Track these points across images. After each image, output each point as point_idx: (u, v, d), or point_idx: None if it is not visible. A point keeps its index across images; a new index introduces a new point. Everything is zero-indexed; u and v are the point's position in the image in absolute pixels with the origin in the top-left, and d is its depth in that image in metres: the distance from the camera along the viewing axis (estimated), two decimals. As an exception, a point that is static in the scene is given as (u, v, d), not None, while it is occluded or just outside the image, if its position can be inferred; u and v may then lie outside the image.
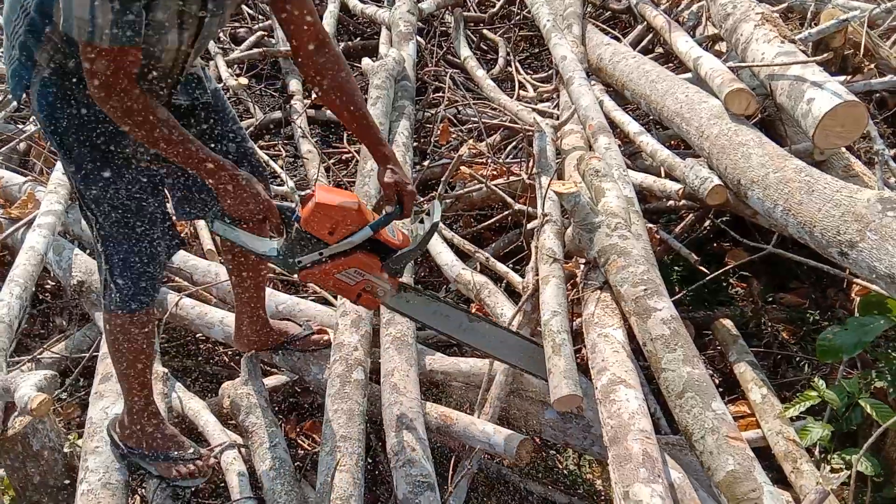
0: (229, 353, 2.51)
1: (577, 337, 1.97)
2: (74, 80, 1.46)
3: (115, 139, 1.51)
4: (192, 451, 1.85)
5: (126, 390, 1.79)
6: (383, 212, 1.61)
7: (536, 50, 4.24)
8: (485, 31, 4.09)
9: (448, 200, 2.74)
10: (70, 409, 2.31)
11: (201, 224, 2.79)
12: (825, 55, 2.27)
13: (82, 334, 2.53)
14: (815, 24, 3.45)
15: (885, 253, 1.58)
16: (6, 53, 1.54)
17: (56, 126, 1.50)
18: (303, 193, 1.60)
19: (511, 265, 2.52)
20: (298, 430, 2.20)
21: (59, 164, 2.81)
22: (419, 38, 3.72)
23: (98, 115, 1.47)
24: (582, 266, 2.01)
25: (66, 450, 1.95)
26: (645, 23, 3.53)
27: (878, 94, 2.77)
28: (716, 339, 2.38)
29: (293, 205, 1.56)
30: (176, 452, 1.83)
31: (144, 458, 1.82)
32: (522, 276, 2.21)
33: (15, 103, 1.59)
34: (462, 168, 2.75)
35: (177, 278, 2.53)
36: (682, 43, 2.92)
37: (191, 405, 2.06)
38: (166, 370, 2.12)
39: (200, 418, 2.01)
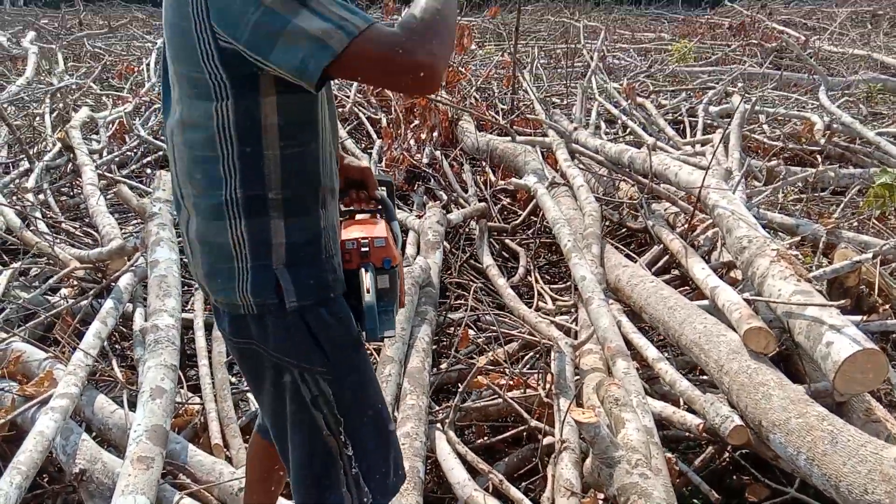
0: (223, 560, 2.37)
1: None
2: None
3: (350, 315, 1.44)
4: None
5: None
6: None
7: (555, 258, 4.39)
8: (507, 242, 4.27)
9: (462, 412, 2.71)
10: None
11: (212, 415, 2.77)
12: (843, 302, 2.32)
13: (75, 526, 2.42)
14: (829, 258, 3.58)
15: (919, 521, 1.52)
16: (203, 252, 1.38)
17: (307, 322, 1.37)
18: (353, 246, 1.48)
19: (525, 486, 2.43)
20: None
21: (83, 346, 2.85)
22: (445, 243, 3.88)
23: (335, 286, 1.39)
24: (601, 502, 1.94)
25: None
26: (661, 245, 3.69)
27: (894, 335, 2.82)
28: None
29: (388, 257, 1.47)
30: None
31: None
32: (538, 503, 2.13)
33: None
34: (478, 377, 2.75)
35: (181, 475, 2.46)
36: (699, 270, 3.03)
37: None
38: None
39: None
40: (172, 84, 1.34)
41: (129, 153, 6.00)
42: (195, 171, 1.32)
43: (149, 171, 5.80)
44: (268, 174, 1.29)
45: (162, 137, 6.32)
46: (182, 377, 3.09)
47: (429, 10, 1.18)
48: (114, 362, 3.11)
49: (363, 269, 1.44)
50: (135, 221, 4.63)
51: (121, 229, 4.13)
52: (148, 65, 8.57)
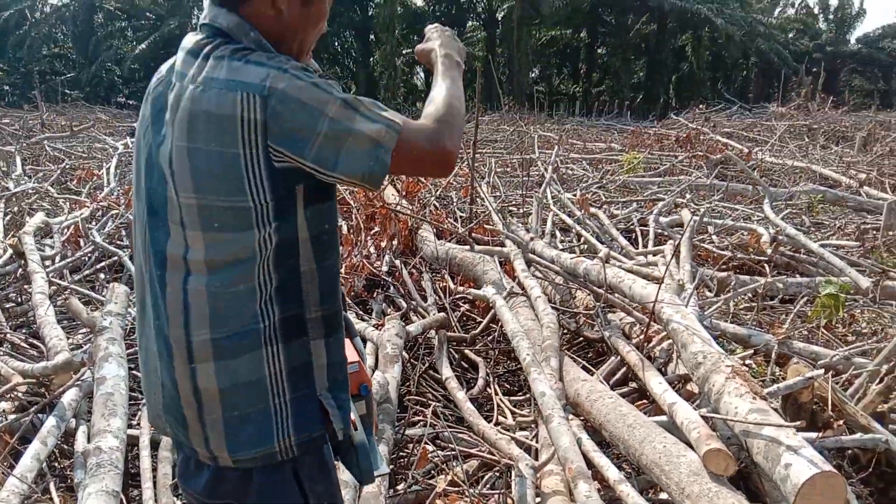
0: None
1: None
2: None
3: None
4: None
5: None
6: None
7: (514, 365, 4.37)
8: (466, 352, 4.25)
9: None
10: None
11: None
12: (799, 423, 2.34)
13: None
14: (782, 369, 3.65)
15: None
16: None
17: (299, 477, 1.27)
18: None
19: None
20: None
21: (20, 470, 2.69)
22: (404, 353, 3.84)
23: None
24: None
25: None
26: (618, 356, 3.71)
27: (850, 451, 2.83)
28: None
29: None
30: None
31: None
32: None
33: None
34: (437, 501, 2.67)
35: None
36: (656, 385, 3.04)
37: None
38: None
39: None
40: (176, 221, 1.21)
41: (83, 258, 5.90)
42: (221, 310, 1.20)
43: (102, 276, 5.70)
44: (305, 291, 1.24)
45: (118, 242, 6.26)
46: (124, 500, 2.93)
47: (446, 103, 1.28)
48: (51, 485, 2.94)
49: None
50: (84, 330, 4.50)
51: (68, 337, 4.01)
52: (108, 169, 8.58)
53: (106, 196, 7.27)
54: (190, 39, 1.27)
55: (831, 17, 40.35)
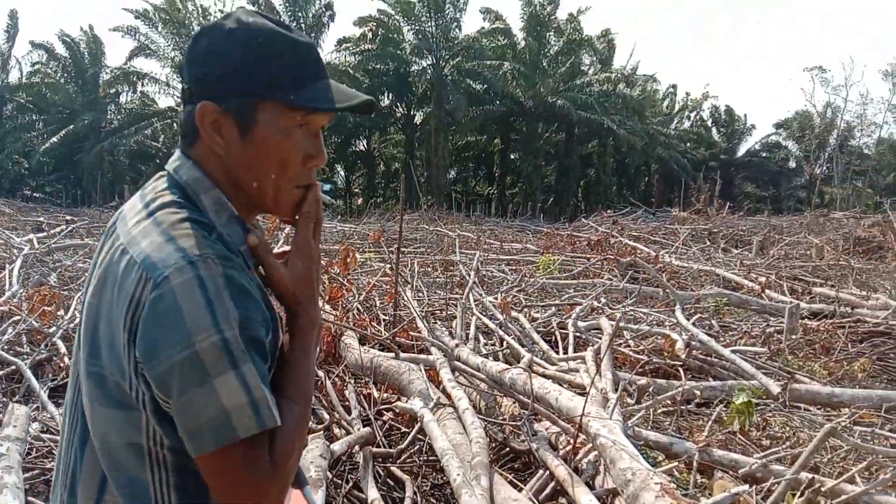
0: None
1: None
2: None
3: None
4: None
5: None
6: None
7: (441, 479, 4.26)
8: (393, 469, 4.13)
9: None
10: None
11: None
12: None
13: None
14: (703, 478, 3.73)
15: None
16: None
17: None
18: None
19: None
20: None
21: None
22: (328, 473, 3.68)
23: None
24: None
25: None
26: (547, 470, 3.68)
27: (776, 566, 2.88)
28: None
29: None
30: None
31: None
32: None
33: None
34: None
35: None
36: (587, 503, 3.03)
37: None
38: None
39: None
40: (79, 370, 1.10)
41: (-23, 367, 5.47)
42: (117, 484, 1.07)
43: (-2, 387, 5.29)
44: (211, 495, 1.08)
45: (17, 349, 5.87)
46: None
47: (300, 434, 1.11)
48: None
49: None
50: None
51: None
52: (11, 270, 8.14)
53: (7, 300, 6.85)
54: (153, 182, 1.16)
55: (723, 129, 43.84)
